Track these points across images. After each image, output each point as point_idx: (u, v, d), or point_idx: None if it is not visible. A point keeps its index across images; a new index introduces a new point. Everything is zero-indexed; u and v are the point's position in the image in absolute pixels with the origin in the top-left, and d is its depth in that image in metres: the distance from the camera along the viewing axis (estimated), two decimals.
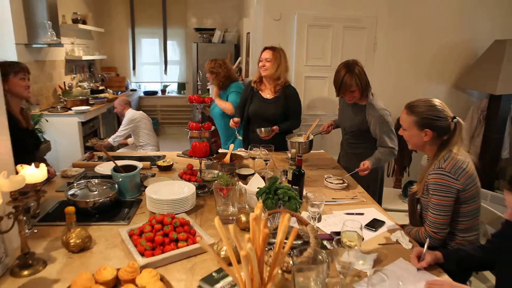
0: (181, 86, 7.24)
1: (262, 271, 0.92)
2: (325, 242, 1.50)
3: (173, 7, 6.65)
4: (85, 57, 5.10)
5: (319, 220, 1.65)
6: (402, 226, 1.74)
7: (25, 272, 1.26)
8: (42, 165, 1.27)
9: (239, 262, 0.88)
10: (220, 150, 2.56)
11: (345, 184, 2.15)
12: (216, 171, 2.14)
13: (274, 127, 2.64)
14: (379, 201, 2.53)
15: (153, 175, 2.24)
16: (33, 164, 1.26)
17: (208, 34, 6.03)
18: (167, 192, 1.78)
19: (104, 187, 1.84)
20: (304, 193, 1.86)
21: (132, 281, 1.17)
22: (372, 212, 1.85)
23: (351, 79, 2.25)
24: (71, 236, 1.39)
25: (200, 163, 2.08)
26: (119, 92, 5.88)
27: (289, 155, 2.10)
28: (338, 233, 1.34)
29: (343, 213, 1.81)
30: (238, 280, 0.92)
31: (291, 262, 1.25)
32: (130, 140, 4.34)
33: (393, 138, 2.30)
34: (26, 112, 2.26)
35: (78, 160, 2.53)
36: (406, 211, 1.97)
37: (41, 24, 3.83)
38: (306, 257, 1.15)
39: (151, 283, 1.14)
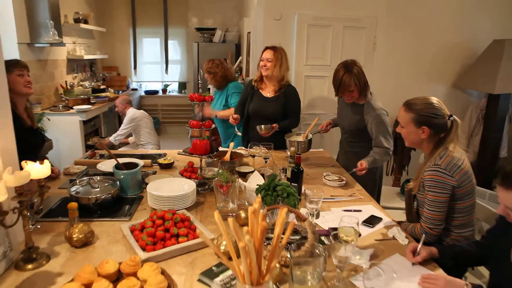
0: (182, 86, 7.27)
1: (260, 263, 0.94)
2: (323, 238, 1.53)
3: (174, 7, 6.68)
4: (86, 57, 5.13)
5: (317, 216, 1.68)
6: (399, 223, 1.76)
7: (29, 266, 1.29)
8: (46, 161, 1.30)
9: (238, 256, 0.91)
10: (220, 149, 2.59)
11: (344, 182, 2.18)
12: (216, 169, 2.17)
13: (274, 125, 2.66)
14: (377, 199, 2.56)
15: (154, 173, 2.27)
16: (37, 162, 1.29)
17: (209, 34, 6.06)
18: (168, 189, 1.80)
19: (106, 184, 1.87)
20: (302, 190, 1.89)
21: (134, 274, 1.20)
22: (370, 209, 1.87)
23: (349, 79, 2.28)
24: (74, 231, 1.42)
25: (201, 161, 2.10)
26: (120, 92, 5.91)
27: (289, 153, 2.13)
28: (336, 229, 1.36)
29: (341, 210, 1.84)
30: (238, 273, 0.95)
31: (288, 256, 1.28)
32: (131, 139, 4.38)
33: (389, 139, 2.32)
34: (31, 110, 2.27)
35: (80, 158, 2.56)
36: (404, 209, 1.99)
37: (43, 23, 3.86)
38: (303, 251, 1.18)
39: (153, 276, 1.16)
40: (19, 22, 3.61)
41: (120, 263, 1.24)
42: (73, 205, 1.46)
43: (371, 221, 1.72)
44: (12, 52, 3.53)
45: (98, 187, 1.81)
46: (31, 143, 2.15)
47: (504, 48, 3.47)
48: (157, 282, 1.13)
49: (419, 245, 1.41)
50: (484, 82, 3.58)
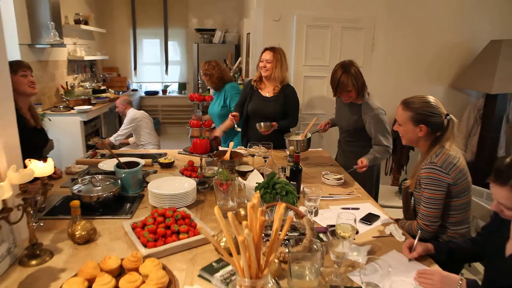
0: (182, 86, 7.29)
1: (259, 257, 0.97)
2: (321, 235, 1.56)
3: (174, 8, 6.70)
4: (87, 58, 5.16)
5: (316, 214, 1.71)
6: (396, 220, 1.79)
7: (33, 262, 1.32)
8: (50, 159, 1.33)
9: (238, 253, 0.93)
10: (220, 148, 2.61)
11: (342, 181, 2.20)
12: (216, 168, 2.20)
13: (273, 123, 2.69)
14: (375, 197, 2.58)
15: (155, 172, 2.29)
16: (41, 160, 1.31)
17: (209, 35, 6.09)
18: (169, 187, 1.83)
19: (108, 182, 1.89)
20: (301, 188, 1.92)
21: (136, 269, 1.22)
22: (368, 207, 1.90)
23: (347, 79, 2.31)
24: (77, 228, 1.45)
25: (201, 160, 2.13)
26: (121, 92, 5.94)
27: (288, 152, 2.15)
28: (333, 226, 1.39)
29: (339, 208, 1.86)
30: (237, 267, 0.97)
31: (286, 250, 1.31)
32: (131, 140, 4.40)
33: (388, 137, 2.35)
34: (35, 110, 2.29)
35: (81, 158, 2.58)
36: (402, 207, 2.02)
37: (44, 24, 3.89)
38: (302, 246, 1.20)
39: (154, 271, 1.19)
40: (20, 23, 3.64)
41: (122, 259, 1.27)
42: (76, 203, 1.49)
43: (369, 218, 1.74)
44: (13, 53, 3.56)
45: (99, 186, 1.83)
46: (35, 143, 2.17)
47: (501, 48, 3.50)
48: (158, 277, 1.15)
49: (415, 241, 1.43)
50: (482, 82, 3.61)
